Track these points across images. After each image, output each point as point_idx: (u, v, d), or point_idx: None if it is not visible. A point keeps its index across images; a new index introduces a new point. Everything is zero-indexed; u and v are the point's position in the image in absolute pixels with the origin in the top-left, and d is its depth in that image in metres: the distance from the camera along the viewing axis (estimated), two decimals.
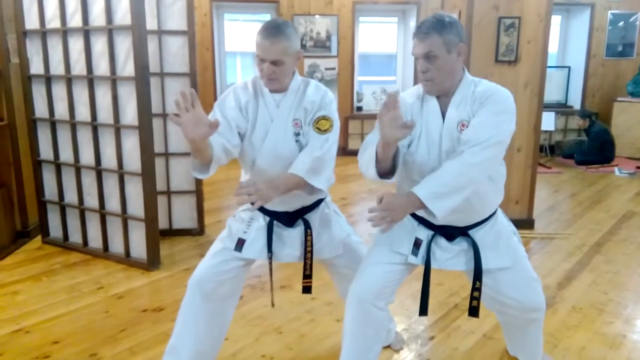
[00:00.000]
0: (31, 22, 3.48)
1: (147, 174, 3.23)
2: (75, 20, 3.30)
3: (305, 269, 2.08)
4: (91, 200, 3.53)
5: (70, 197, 3.63)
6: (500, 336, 2.53)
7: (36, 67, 3.54)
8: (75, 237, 3.69)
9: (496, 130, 1.72)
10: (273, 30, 1.84)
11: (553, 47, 7.91)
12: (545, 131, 7.24)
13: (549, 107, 7.10)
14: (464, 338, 2.56)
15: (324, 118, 1.97)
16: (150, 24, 3.49)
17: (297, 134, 1.97)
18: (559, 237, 4.05)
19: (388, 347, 2.44)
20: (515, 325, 2.14)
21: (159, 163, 3.73)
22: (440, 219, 1.69)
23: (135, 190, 3.33)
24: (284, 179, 1.88)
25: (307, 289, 2.11)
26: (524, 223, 4.14)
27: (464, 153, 1.69)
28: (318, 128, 1.95)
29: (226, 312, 2.11)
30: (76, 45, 3.33)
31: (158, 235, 3.41)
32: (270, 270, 2.06)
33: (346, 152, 7.07)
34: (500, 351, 2.44)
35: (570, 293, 3.07)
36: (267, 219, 2.07)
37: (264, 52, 1.85)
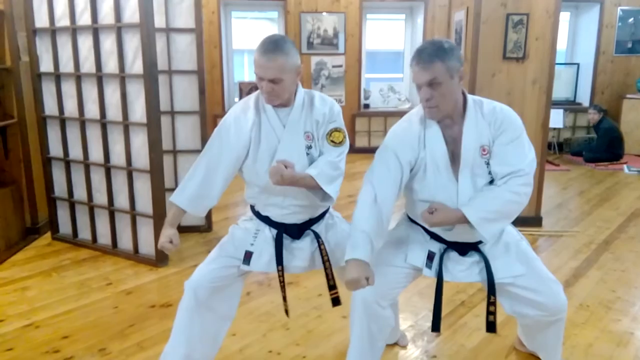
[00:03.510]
0: (41, 20, 3.51)
1: (156, 170, 3.26)
2: (84, 19, 3.32)
3: (328, 280, 2.05)
4: (100, 197, 3.56)
5: (80, 193, 3.67)
6: (507, 333, 2.53)
7: (46, 64, 3.57)
8: (85, 233, 3.72)
9: (529, 151, 1.84)
10: (270, 46, 1.81)
11: (562, 43, 7.86)
12: (554, 128, 7.21)
13: (557, 104, 7.07)
14: (471, 335, 2.56)
15: (337, 130, 1.96)
16: (159, 21, 3.51)
17: (309, 147, 1.96)
18: (567, 235, 4.04)
19: (395, 344, 2.45)
20: (537, 327, 2.12)
21: (167, 160, 3.75)
22: (487, 239, 1.81)
23: (143, 187, 3.36)
24: (304, 174, 1.87)
25: (336, 300, 2.05)
26: (531, 220, 4.13)
27: (512, 182, 1.79)
28: (332, 141, 1.95)
29: (221, 324, 2.07)
30: (85, 43, 3.36)
31: None
32: (282, 282, 2.02)
33: (353, 149, 7.07)
34: (507, 348, 2.44)
35: (578, 290, 3.06)
36: (274, 230, 2.04)
37: (261, 71, 1.83)
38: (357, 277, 1.70)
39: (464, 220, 1.77)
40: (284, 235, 2.03)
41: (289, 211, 2.00)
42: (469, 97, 1.89)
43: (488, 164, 1.84)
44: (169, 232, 1.95)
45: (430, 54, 1.74)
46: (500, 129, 1.83)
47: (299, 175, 1.85)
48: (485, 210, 1.77)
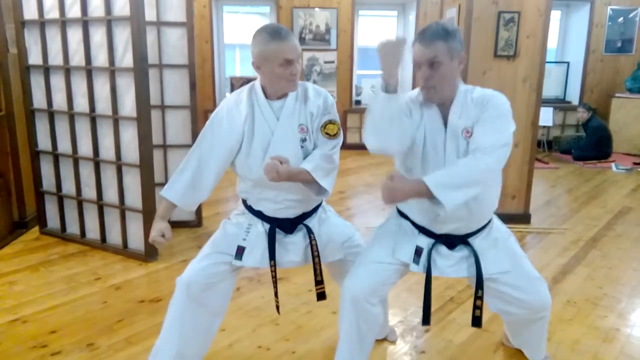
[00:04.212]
0: (30, 12, 3.47)
1: (145, 165, 3.24)
2: (74, 11, 3.29)
3: (315, 275, 2.05)
4: (89, 192, 3.54)
5: (68, 188, 3.64)
6: (495, 329, 2.55)
7: (34, 57, 3.54)
8: (73, 228, 3.70)
9: (500, 134, 1.78)
10: (283, 31, 1.83)
11: (552, 42, 7.90)
12: (543, 126, 7.25)
13: (547, 102, 7.10)
14: (459, 330, 2.58)
15: (331, 122, 1.95)
16: (149, 15, 3.48)
17: (303, 140, 1.94)
18: (555, 232, 4.07)
19: (384, 339, 2.46)
20: (521, 324, 2.14)
21: (157, 154, 3.72)
22: (447, 210, 1.70)
23: (133, 182, 3.34)
24: (300, 169, 1.87)
25: (321, 295, 2.07)
26: (520, 218, 4.16)
27: (474, 155, 1.74)
28: (327, 133, 1.94)
29: (212, 320, 2.07)
30: (75, 36, 3.33)
31: None
32: (275, 278, 2.02)
33: (344, 145, 7.05)
34: (495, 343, 2.46)
35: (565, 287, 3.09)
36: (266, 225, 2.03)
37: (291, 53, 1.83)
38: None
39: (426, 191, 1.68)
40: (277, 229, 2.02)
41: (283, 206, 2.00)
42: (462, 84, 1.89)
43: None
44: (160, 225, 1.94)
45: (434, 33, 1.75)
46: (483, 109, 1.81)
47: (294, 170, 1.84)
48: (444, 176, 1.71)
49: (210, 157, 1.93)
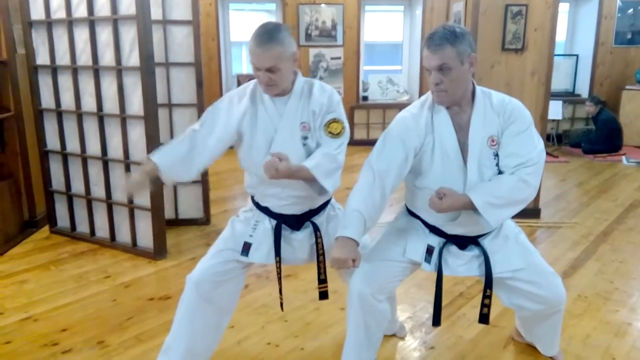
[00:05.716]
0: (37, 12, 3.48)
1: None
2: (80, 11, 3.30)
3: (319, 274, 2.03)
4: (98, 190, 3.56)
5: (77, 187, 3.66)
6: (505, 324, 2.54)
7: (42, 57, 3.55)
8: (83, 226, 3.72)
9: (537, 143, 1.85)
10: (265, 37, 1.78)
11: (561, 35, 7.82)
12: (553, 120, 7.20)
13: (556, 95, 7.04)
14: (469, 326, 2.56)
15: (335, 121, 1.91)
16: (155, 13, 3.48)
17: (305, 138, 1.92)
18: (565, 226, 4.04)
19: (393, 335, 2.46)
20: (536, 319, 2.13)
21: None
22: (493, 225, 1.78)
23: None
24: (300, 166, 1.83)
25: (323, 294, 2.05)
26: (530, 212, 4.13)
27: (521, 171, 1.78)
28: (330, 132, 1.90)
29: (222, 317, 2.07)
30: (82, 35, 3.34)
31: (164, 224, 3.42)
32: (280, 274, 2.01)
33: (352, 142, 7.03)
34: (505, 339, 2.45)
35: (576, 282, 3.06)
36: (273, 221, 2.02)
37: (257, 61, 1.80)
38: (345, 257, 1.70)
39: (470, 206, 1.75)
40: (284, 226, 2.02)
41: (288, 202, 1.99)
42: (478, 87, 1.88)
43: (496, 155, 1.83)
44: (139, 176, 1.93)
45: (442, 37, 1.73)
46: (509, 120, 1.83)
47: (294, 167, 1.81)
48: (491, 195, 1.75)
49: (204, 142, 1.94)
